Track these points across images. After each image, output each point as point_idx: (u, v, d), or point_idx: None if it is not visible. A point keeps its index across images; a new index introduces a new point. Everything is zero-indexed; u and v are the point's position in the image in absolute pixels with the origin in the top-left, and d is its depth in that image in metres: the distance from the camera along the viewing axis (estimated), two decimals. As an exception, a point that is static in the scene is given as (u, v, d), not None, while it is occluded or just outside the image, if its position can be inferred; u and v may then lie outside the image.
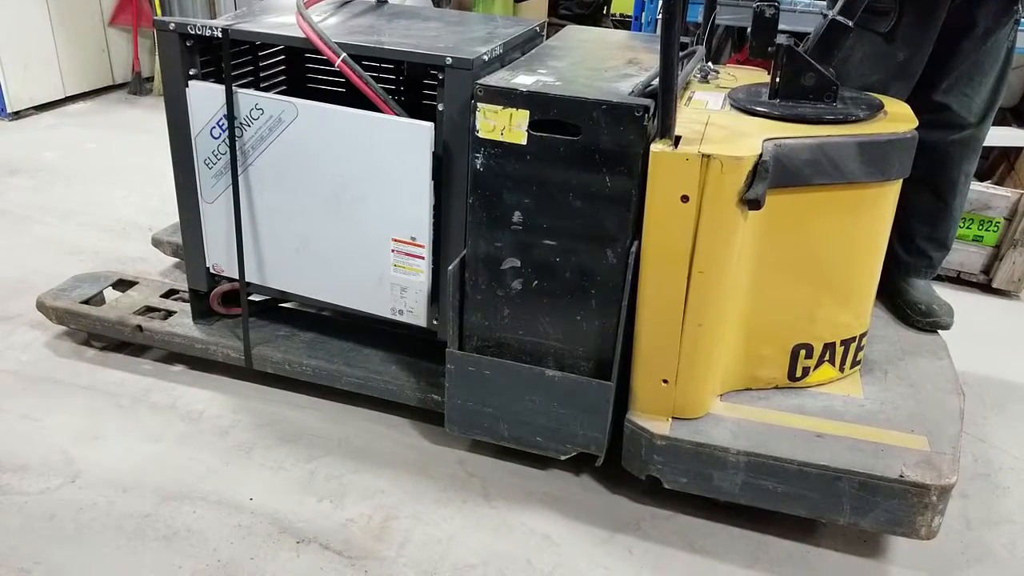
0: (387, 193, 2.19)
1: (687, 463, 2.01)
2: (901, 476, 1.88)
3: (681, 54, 2.03)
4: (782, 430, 2.03)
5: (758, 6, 1.98)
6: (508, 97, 1.90)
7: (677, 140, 1.85)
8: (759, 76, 2.31)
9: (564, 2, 5.98)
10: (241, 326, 2.50)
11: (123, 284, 2.86)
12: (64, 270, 3.17)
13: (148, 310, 2.70)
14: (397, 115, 2.13)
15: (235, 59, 2.33)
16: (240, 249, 2.41)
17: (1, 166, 4.22)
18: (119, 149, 4.56)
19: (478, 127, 1.94)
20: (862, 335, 2.20)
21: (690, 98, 2.15)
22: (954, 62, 2.36)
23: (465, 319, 2.15)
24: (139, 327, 2.59)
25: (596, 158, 1.88)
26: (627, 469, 2.13)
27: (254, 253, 2.43)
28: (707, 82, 2.30)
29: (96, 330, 2.67)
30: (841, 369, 2.20)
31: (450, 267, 2.10)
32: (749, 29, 2.06)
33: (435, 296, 2.28)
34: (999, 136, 3.58)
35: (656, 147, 1.83)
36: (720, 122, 1.97)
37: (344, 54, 2.09)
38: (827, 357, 2.16)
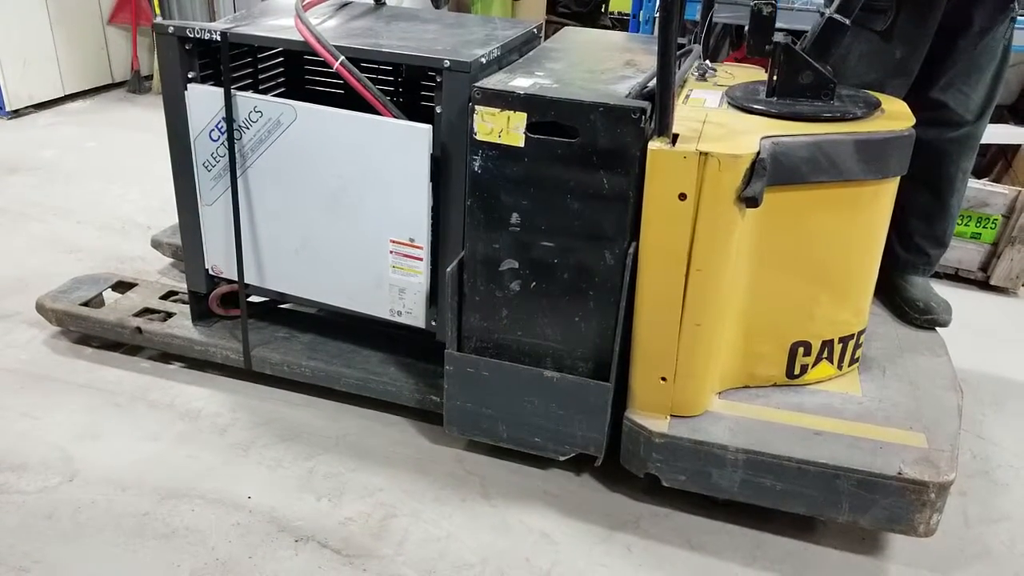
0: (385, 195, 2.20)
1: (686, 461, 2.02)
2: (899, 473, 1.88)
3: (677, 53, 2.03)
4: (781, 428, 2.03)
5: (755, 4, 1.98)
6: (506, 100, 1.91)
7: (675, 138, 1.85)
8: (757, 74, 2.31)
9: (562, 0, 5.98)
10: (240, 328, 2.50)
11: (122, 286, 2.86)
12: (63, 268, 3.17)
13: (147, 312, 2.70)
14: (395, 117, 2.13)
15: (234, 62, 2.33)
16: (239, 251, 2.41)
17: (0, 164, 4.22)
18: (118, 147, 4.56)
19: (476, 129, 1.94)
20: (860, 332, 2.20)
21: (688, 96, 2.15)
22: (951, 60, 2.37)
23: (464, 320, 2.15)
24: (138, 329, 2.59)
25: (594, 160, 1.89)
26: (626, 467, 2.13)
27: (253, 255, 2.43)
28: (705, 80, 2.30)
29: (95, 332, 2.67)
30: (839, 367, 2.20)
31: (448, 268, 2.11)
32: (747, 27, 2.06)
33: (434, 297, 2.28)
34: (997, 133, 3.59)
35: (654, 145, 1.83)
36: (718, 120, 1.97)
37: (342, 57, 2.10)
38: (825, 355, 2.16)
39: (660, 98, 1.81)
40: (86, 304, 2.71)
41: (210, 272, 2.52)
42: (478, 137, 1.95)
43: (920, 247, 2.61)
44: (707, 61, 2.37)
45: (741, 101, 2.07)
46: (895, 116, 2.06)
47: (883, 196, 2.06)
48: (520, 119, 1.91)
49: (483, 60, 2.07)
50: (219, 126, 2.28)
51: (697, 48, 2.40)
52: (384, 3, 2.70)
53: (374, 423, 2.44)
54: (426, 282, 2.26)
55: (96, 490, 2.15)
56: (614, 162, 1.88)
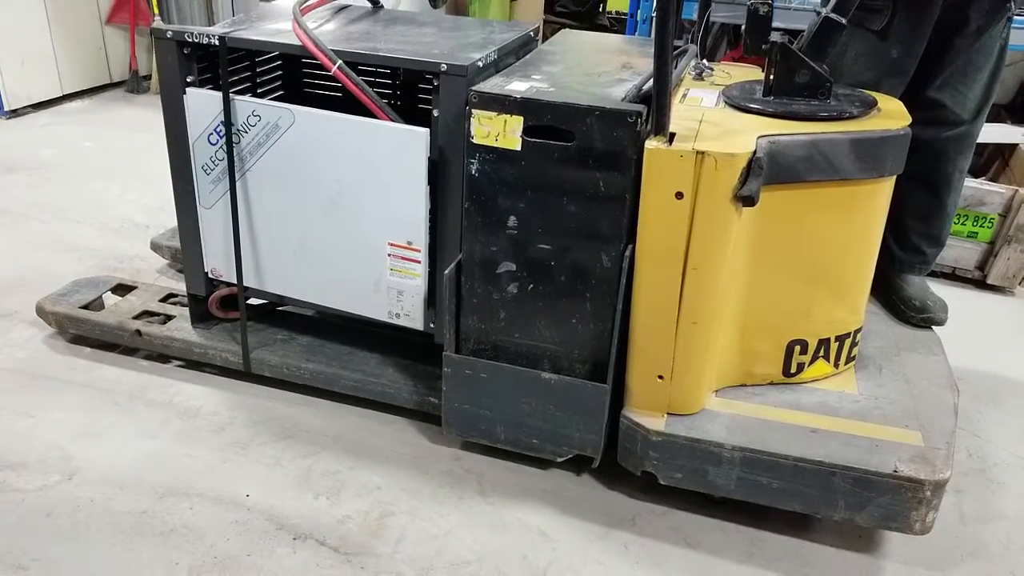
0: (383, 198, 2.20)
1: (682, 459, 2.02)
2: (895, 471, 1.89)
3: (673, 53, 2.03)
4: (777, 426, 2.04)
5: (752, 4, 1.99)
6: (502, 103, 1.91)
7: (672, 137, 1.86)
8: (754, 73, 2.32)
9: (560, 0, 5.98)
10: (239, 330, 2.51)
11: (122, 288, 2.87)
12: (61, 268, 3.18)
13: (147, 314, 2.71)
14: (393, 121, 2.14)
15: (232, 66, 2.34)
16: (238, 254, 2.42)
17: (-2, 164, 4.23)
18: (116, 147, 4.56)
19: (473, 133, 1.95)
20: (857, 331, 2.20)
21: (685, 95, 2.16)
22: (947, 59, 2.37)
23: (461, 322, 2.16)
24: (138, 332, 2.60)
25: (590, 163, 1.90)
26: (623, 465, 2.13)
27: (252, 258, 2.44)
28: (702, 79, 2.31)
29: (95, 335, 2.68)
30: (836, 365, 2.21)
31: (446, 271, 2.11)
32: (743, 27, 2.07)
33: (432, 300, 2.29)
34: (994, 133, 3.61)
35: (650, 144, 1.84)
36: (714, 119, 1.97)
37: (340, 61, 2.10)
38: (822, 353, 2.17)
39: (656, 97, 1.82)
40: (86, 307, 2.72)
41: (209, 275, 2.52)
42: (475, 140, 1.96)
43: (917, 246, 2.62)
44: (704, 60, 2.37)
45: (738, 100, 2.07)
46: (891, 115, 2.07)
47: (879, 195, 2.06)
48: (517, 123, 1.91)
49: (480, 64, 2.08)
50: (218, 130, 2.28)
51: (693, 48, 2.40)
52: (381, 6, 2.70)
53: (372, 422, 2.44)
54: (424, 284, 2.27)
55: (95, 488, 2.15)
56: (610, 165, 1.89)
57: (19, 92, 4.92)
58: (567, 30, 2.81)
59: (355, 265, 2.32)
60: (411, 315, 2.32)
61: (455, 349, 2.18)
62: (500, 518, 2.13)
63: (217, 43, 2.20)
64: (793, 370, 2.17)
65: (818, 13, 2.07)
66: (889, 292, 2.60)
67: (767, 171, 1.84)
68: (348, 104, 2.21)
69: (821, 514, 2.01)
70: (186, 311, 2.65)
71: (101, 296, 2.80)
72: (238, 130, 2.27)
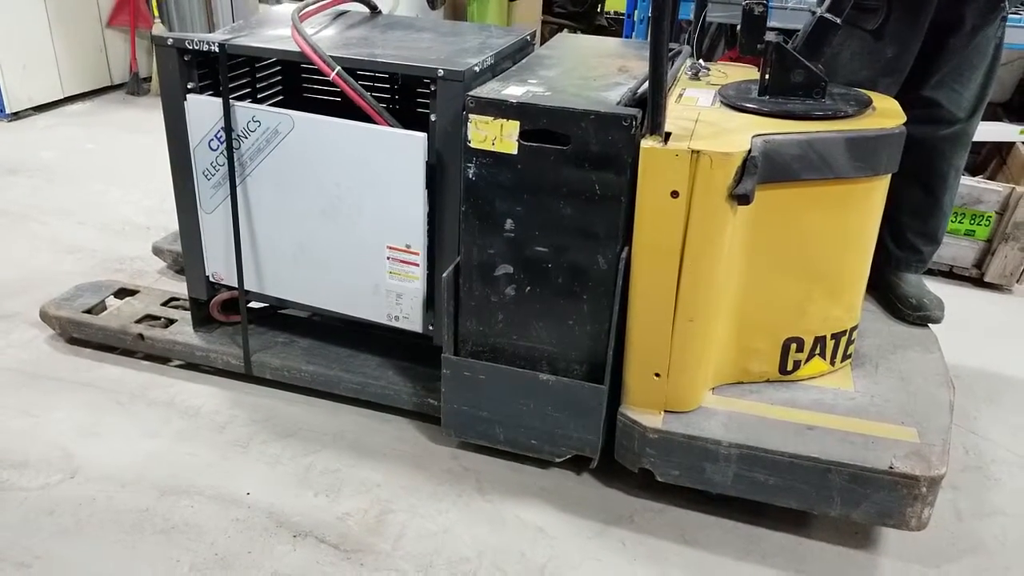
0: (382, 202, 2.22)
1: (679, 456, 2.03)
2: (891, 468, 1.90)
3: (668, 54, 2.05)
4: (773, 423, 2.05)
5: (747, 4, 2.00)
6: (499, 108, 1.93)
7: (667, 136, 1.87)
8: (750, 73, 2.33)
9: (559, 0, 5.99)
10: (241, 333, 2.52)
11: (124, 292, 2.89)
12: (63, 269, 3.20)
13: (149, 318, 2.73)
14: (391, 126, 2.16)
15: (232, 72, 2.35)
16: (239, 258, 2.43)
17: (0, 166, 4.24)
18: (117, 149, 4.58)
19: (470, 137, 1.97)
20: (853, 329, 2.22)
21: (681, 95, 2.17)
22: (942, 58, 2.38)
23: (460, 325, 2.17)
24: (141, 335, 2.62)
25: (586, 166, 1.92)
26: (620, 462, 2.15)
27: (253, 262, 2.45)
28: (698, 79, 2.32)
29: (98, 339, 2.70)
30: (832, 362, 2.22)
31: (444, 274, 2.13)
32: (739, 27, 2.08)
33: (430, 302, 2.30)
34: (991, 131, 3.62)
35: (646, 143, 1.85)
36: (710, 119, 1.99)
37: (338, 67, 2.12)
38: (818, 351, 2.18)
39: (652, 97, 1.84)
40: (89, 311, 2.74)
41: (211, 279, 2.54)
42: (472, 145, 1.98)
43: (913, 244, 2.63)
44: (701, 60, 2.39)
45: (733, 100, 2.09)
46: (886, 114, 2.08)
47: (874, 193, 2.08)
48: (513, 127, 1.93)
49: (476, 69, 2.10)
50: (218, 135, 2.30)
51: (687, 49, 2.43)
52: (380, 12, 2.72)
53: (372, 420, 2.46)
54: (423, 287, 2.28)
55: (96, 487, 2.17)
56: (606, 168, 1.90)
57: (20, 94, 4.95)
58: (563, 34, 2.83)
59: (354, 268, 2.33)
60: (410, 318, 2.34)
61: (454, 351, 2.20)
62: (499, 515, 2.14)
63: (217, 50, 2.22)
64: (789, 368, 2.18)
65: (813, 13, 2.08)
66: (886, 290, 2.62)
67: (762, 170, 1.85)
68: (347, 109, 2.22)
69: (817, 510, 2.02)
70: (188, 315, 2.67)
71: (104, 300, 2.82)
72: (238, 136, 2.28)
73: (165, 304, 2.81)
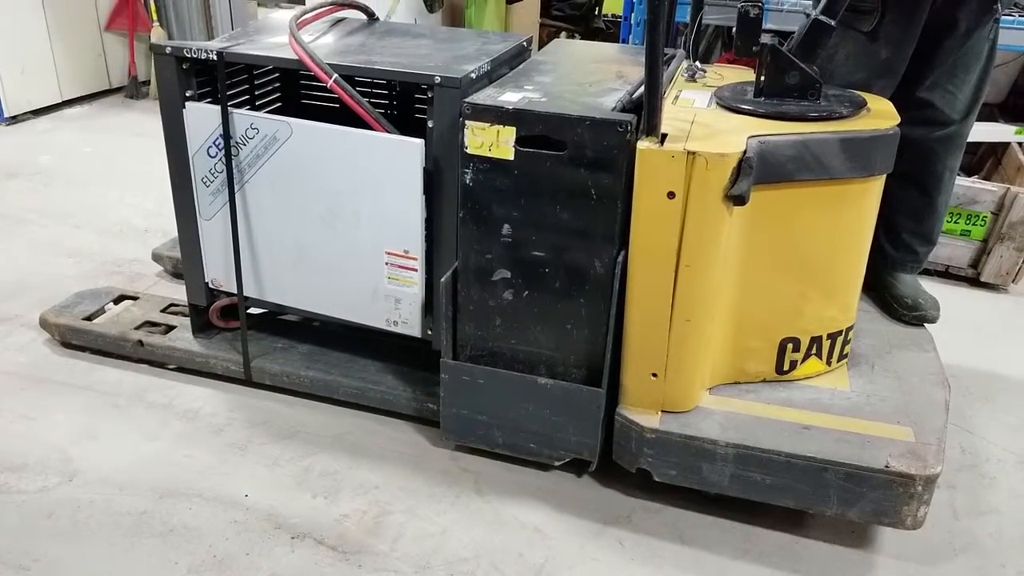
0: (380, 208, 2.23)
1: (677, 456, 2.04)
2: (887, 467, 1.91)
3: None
4: (770, 423, 2.06)
5: (742, 6, 2.02)
6: (495, 114, 1.94)
7: (663, 138, 1.88)
8: (746, 75, 2.34)
9: (556, 4, 6.00)
10: (240, 339, 2.53)
11: (123, 298, 2.89)
12: (61, 272, 3.20)
13: (148, 324, 2.74)
14: (388, 132, 2.17)
15: (230, 79, 2.37)
16: (238, 264, 2.44)
17: (-2, 170, 4.26)
18: (115, 152, 4.58)
19: (467, 143, 1.98)
20: (848, 329, 2.23)
21: (677, 97, 2.18)
22: (937, 60, 2.39)
23: (458, 329, 2.18)
24: (140, 342, 2.63)
25: (582, 172, 1.93)
26: (618, 462, 2.15)
27: (252, 268, 2.46)
28: (694, 81, 2.33)
29: (98, 346, 2.70)
30: (828, 362, 2.23)
31: (442, 279, 2.14)
32: (734, 29, 2.09)
33: (429, 307, 2.31)
34: (986, 132, 3.63)
35: (642, 144, 1.86)
36: (706, 120, 2.00)
37: (335, 75, 2.13)
38: (814, 351, 2.19)
39: (648, 99, 1.85)
40: (88, 318, 2.74)
41: (210, 285, 2.55)
42: (469, 151, 1.99)
43: (908, 245, 2.64)
44: (697, 62, 2.40)
45: (729, 101, 2.10)
46: (880, 115, 2.09)
47: (869, 194, 2.09)
48: (509, 133, 1.94)
49: (473, 75, 2.11)
50: (217, 143, 2.31)
51: (681, 52, 2.44)
52: (377, 18, 2.73)
53: (370, 423, 2.46)
54: (421, 292, 2.29)
55: (95, 490, 2.17)
56: (602, 173, 1.92)
57: (19, 98, 4.95)
58: (560, 39, 2.84)
59: (353, 274, 2.34)
60: (409, 322, 2.35)
61: (452, 356, 2.21)
62: (497, 516, 2.15)
63: (215, 58, 2.23)
64: (786, 367, 2.19)
65: (807, 15, 2.10)
66: (881, 290, 2.63)
67: (757, 171, 1.86)
68: (345, 116, 2.23)
69: (814, 510, 2.03)
70: (187, 320, 2.68)
71: (103, 307, 2.82)
72: (237, 143, 2.29)
73: (164, 310, 2.82)
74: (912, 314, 2.52)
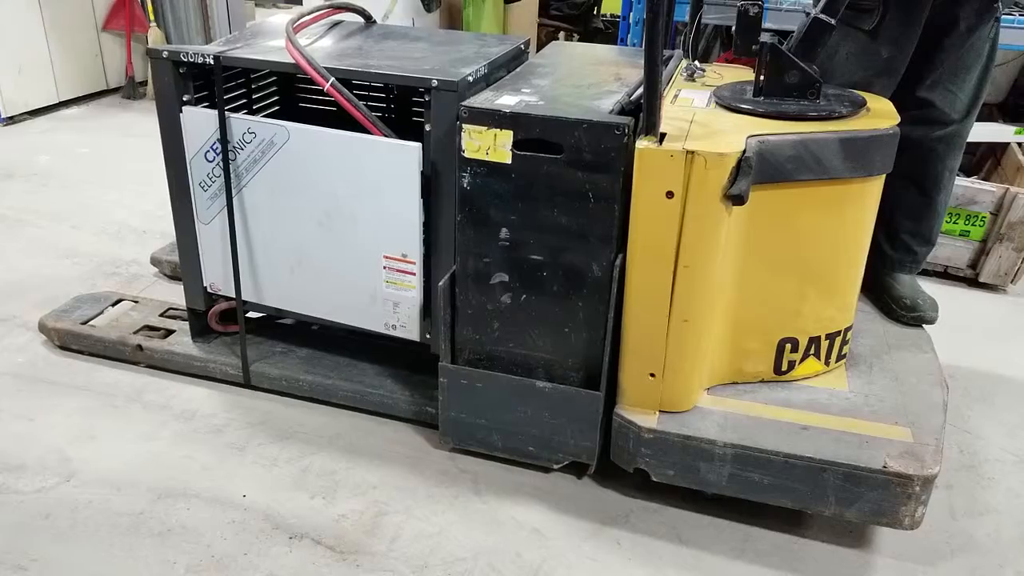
0: (378, 211, 2.23)
1: (674, 456, 2.04)
2: (884, 467, 1.90)
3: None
4: (768, 423, 2.06)
5: (742, 5, 2.01)
6: (492, 118, 1.94)
7: (662, 137, 1.88)
8: (746, 74, 2.34)
9: (555, 3, 5.99)
10: (239, 343, 2.53)
11: (123, 303, 2.88)
12: (59, 273, 3.20)
13: (147, 329, 2.73)
14: (386, 136, 2.16)
15: (228, 83, 2.36)
16: (236, 268, 2.44)
17: (-4, 170, 4.25)
18: (113, 153, 4.58)
19: (464, 147, 1.98)
20: (847, 329, 2.22)
21: (676, 96, 2.18)
22: (938, 59, 2.39)
23: (456, 333, 2.18)
24: (139, 347, 2.63)
25: (579, 175, 1.93)
26: (616, 462, 2.15)
27: (250, 272, 2.46)
28: (693, 80, 2.33)
29: (97, 350, 2.70)
30: (827, 362, 2.23)
31: (441, 283, 2.14)
32: (733, 28, 2.09)
33: (427, 311, 2.31)
34: (986, 132, 3.63)
35: (641, 144, 1.86)
36: (705, 119, 2.00)
37: (332, 79, 2.13)
38: (812, 351, 2.19)
39: (647, 98, 1.84)
40: (87, 323, 2.74)
41: (208, 289, 2.54)
42: (466, 154, 1.98)
43: (907, 245, 2.64)
44: (696, 62, 2.40)
45: (728, 101, 2.10)
46: (880, 115, 2.09)
47: (868, 194, 2.08)
48: (507, 136, 1.94)
49: (470, 79, 2.11)
50: (214, 147, 2.31)
51: (679, 52, 2.44)
52: (375, 21, 2.73)
53: (368, 423, 2.46)
54: (419, 296, 2.29)
55: (93, 490, 2.17)
56: (599, 176, 1.91)
57: (16, 99, 4.94)
58: (557, 42, 2.83)
59: (351, 278, 2.34)
60: (407, 326, 2.35)
61: (451, 359, 2.20)
62: (494, 516, 2.15)
63: (212, 62, 2.22)
64: (784, 368, 2.19)
65: (807, 14, 2.09)
66: (880, 291, 2.62)
67: (756, 170, 1.86)
68: (343, 120, 2.23)
69: (812, 510, 2.02)
70: (186, 324, 2.67)
71: (102, 311, 2.82)
72: (234, 147, 2.29)
73: (163, 314, 2.81)
74: (911, 315, 2.52)
